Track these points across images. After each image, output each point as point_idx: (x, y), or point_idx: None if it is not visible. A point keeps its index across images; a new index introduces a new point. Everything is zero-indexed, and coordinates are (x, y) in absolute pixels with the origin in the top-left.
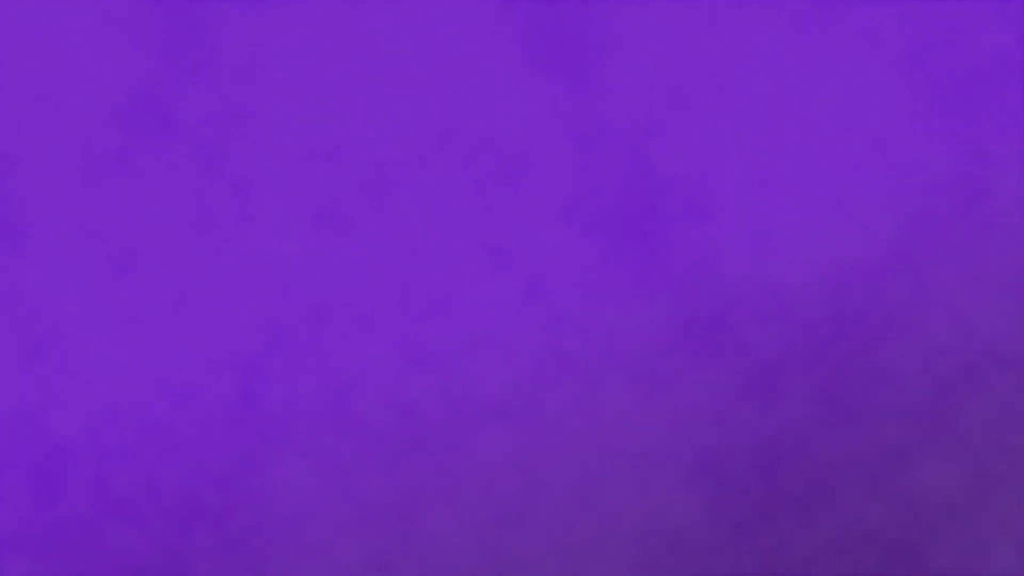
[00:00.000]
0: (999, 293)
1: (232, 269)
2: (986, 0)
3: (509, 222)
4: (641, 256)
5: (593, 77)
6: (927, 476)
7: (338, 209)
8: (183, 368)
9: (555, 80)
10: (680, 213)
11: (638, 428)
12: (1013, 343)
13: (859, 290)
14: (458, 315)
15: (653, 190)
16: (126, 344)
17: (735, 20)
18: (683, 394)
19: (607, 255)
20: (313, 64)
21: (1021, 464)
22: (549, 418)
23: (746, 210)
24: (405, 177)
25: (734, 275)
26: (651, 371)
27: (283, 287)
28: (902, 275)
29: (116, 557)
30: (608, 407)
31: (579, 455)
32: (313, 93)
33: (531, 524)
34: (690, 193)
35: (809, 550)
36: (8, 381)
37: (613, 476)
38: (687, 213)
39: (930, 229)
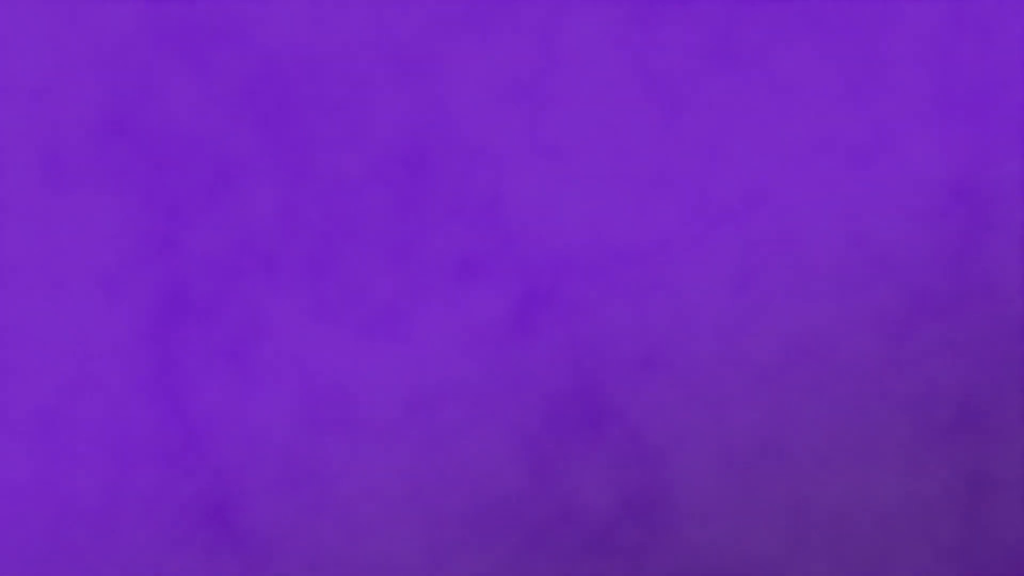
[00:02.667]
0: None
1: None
2: (989, 1)
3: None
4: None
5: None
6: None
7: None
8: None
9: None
10: (679, 207)
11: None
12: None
13: (860, 291)
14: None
15: (653, 188)
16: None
17: (738, 19)
18: None
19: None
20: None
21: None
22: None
23: (744, 208)
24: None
25: (730, 277)
26: None
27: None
28: (902, 276)
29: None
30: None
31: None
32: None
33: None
34: (688, 190)
35: None
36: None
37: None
38: (686, 207)
39: (929, 229)
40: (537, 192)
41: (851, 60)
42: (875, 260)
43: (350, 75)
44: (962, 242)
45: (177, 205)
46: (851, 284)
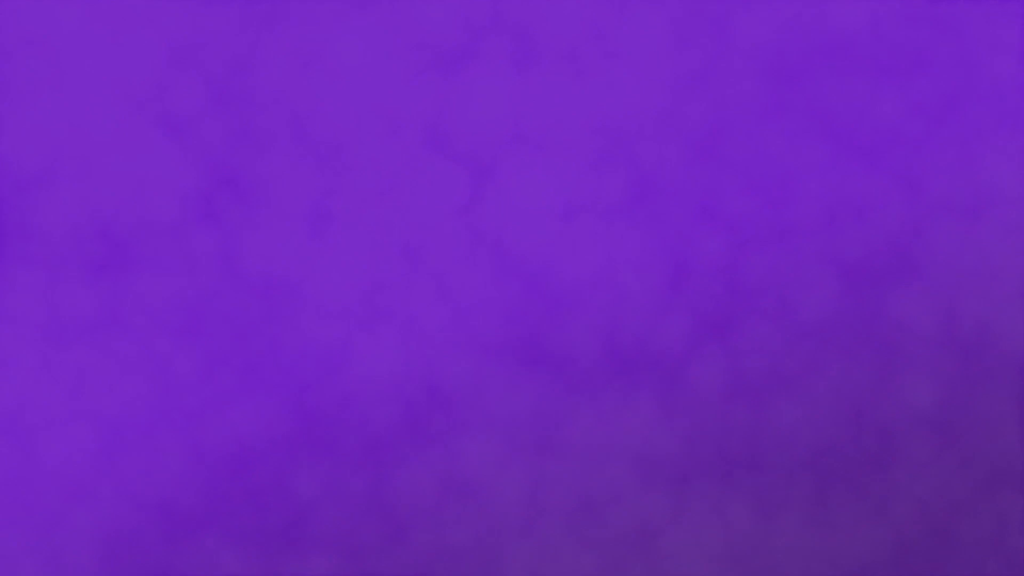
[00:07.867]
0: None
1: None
2: (987, 1)
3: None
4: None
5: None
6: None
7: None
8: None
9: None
10: (677, 211)
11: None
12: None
13: (861, 287)
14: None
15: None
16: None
17: (740, 17)
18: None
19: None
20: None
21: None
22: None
23: (744, 209)
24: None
25: (742, 276)
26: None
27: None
28: (901, 274)
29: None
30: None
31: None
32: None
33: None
34: (697, 194)
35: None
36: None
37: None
38: (684, 212)
39: (928, 231)
40: (526, 195)
41: (851, 59)
42: (875, 259)
43: (349, 75)
44: (961, 242)
45: (178, 202)
46: (851, 283)
